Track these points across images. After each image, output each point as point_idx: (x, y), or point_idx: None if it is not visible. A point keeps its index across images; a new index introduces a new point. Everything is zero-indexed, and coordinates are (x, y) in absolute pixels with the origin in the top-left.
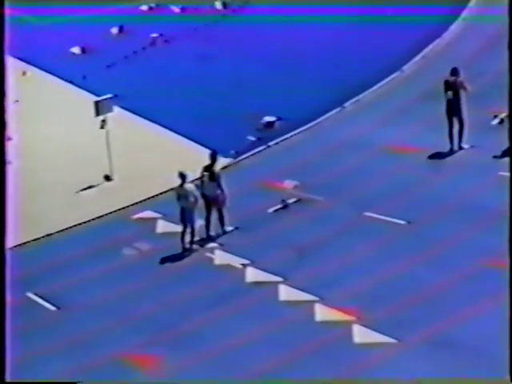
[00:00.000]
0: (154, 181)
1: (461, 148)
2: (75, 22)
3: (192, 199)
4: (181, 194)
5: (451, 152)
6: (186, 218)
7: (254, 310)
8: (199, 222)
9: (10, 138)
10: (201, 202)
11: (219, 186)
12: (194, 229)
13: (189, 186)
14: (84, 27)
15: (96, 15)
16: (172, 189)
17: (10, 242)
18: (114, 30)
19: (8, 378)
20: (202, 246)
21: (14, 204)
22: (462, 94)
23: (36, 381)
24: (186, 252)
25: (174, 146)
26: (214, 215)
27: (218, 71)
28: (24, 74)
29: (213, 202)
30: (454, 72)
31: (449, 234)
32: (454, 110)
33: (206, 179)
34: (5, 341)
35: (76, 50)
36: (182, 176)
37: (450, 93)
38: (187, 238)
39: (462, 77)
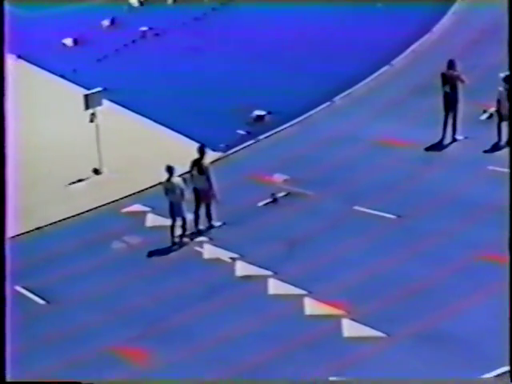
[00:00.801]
0: (143, 174)
1: (454, 140)
2: (68, 13)
3: (179, 193)
4: (168, 188)
5: (441, 143)
6: (174, 212)
7: (243, 304)
8: (188, 216)
9: None
10: (189, 195)
11: (208, 179)
12: (185, 222)
13: (176, 180)
14: (76, 19)
15: (88, 7)
16: (161, 183)
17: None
18: (106, 22)
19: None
20: (191, 239)
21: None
22: (460, 87)
23: (36, 380)
24: (175, 246)
25: (164, 139)
26: (203, 209)
27: (208, 65)
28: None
29: (202, 196)
30: (451, 64)
31: (439, 228)
32: (451, 102)
33: (195, 173)
34: (5, 341)
35: (68, 41)
36: (170, 170)
37: (447, 86)
38: (177, 232)
39: (458, 69)
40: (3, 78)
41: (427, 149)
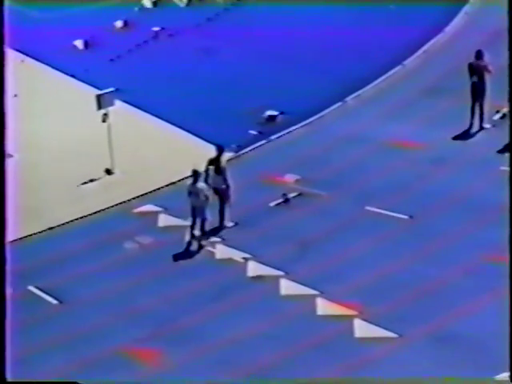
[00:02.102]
0: (155, 175)
1: (482, 128)
2: (79, 15)
3: (203, 198)
4: (192, 191)
5: (469, 132)
6: (196, 215)
7: (255, 305)
8: (209, 219)
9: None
10: (211, 199)
11: (225, 179)
12: (204, 225)
13: (201, 185)
14: (88, 20)
15: (101, 7)
16: (173, 183)
17: (12, 235)
18: (119, 24)
19: (9, 373)
20: (207, 239)
21: (16, 198)
22: (487, 77)
23: (36, 380)
24: (190, 245)
25: (176, 140)
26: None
27: (221, 65)
28: (22, 61)
29: (218, 195)
30: (479, 55)
31: (451, 229)
32: (478, 92)
33: (211, 172)
34: (5, 341)
35: (79, 43)
36: (195, 173)
37: (475, 77)
38: (195, 233)
39: (486, 60)
40: (3, 78)
41: (439, 150)
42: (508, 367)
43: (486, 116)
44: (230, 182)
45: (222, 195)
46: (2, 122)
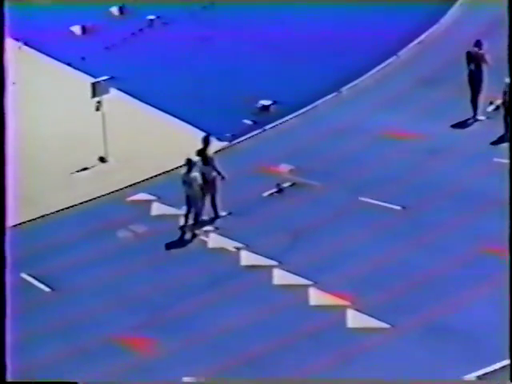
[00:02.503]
0: (148, 163)
1: (476, 120)
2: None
3: (197, 187)
4: (186, 180)
5: (475, 119)
6: (190, 204)
7: (247, 294)
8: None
9: None
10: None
11: (214, 169)
12: (199, 214)
13: (194, 174)
14: (85, 6)
15: None
16: (167, 171)
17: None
18: (114, 11)
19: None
20: (199, 230)
21: (10, 185)
22: (484, 67)
23: (36, 380)
24: (184, 233)
25: (170, 128)
26: (208, 199)
27: (215, 54)
28: (20, 48)
29: (208, 186)
30: (477, 44)
31: (444, 220)
32: (475, 80)
33: (199, 163)
34: (5, 341)
35: (76, 29)
36: (189, 163)
37: (472, 65)
38: (189, 222)
39: (484, 50)
40: (3, 70)
41: (433, 140)
42: (504, 357)
43: (480, 108)
44: (221, 170)
45: (210, 186)
46: (2, 119)
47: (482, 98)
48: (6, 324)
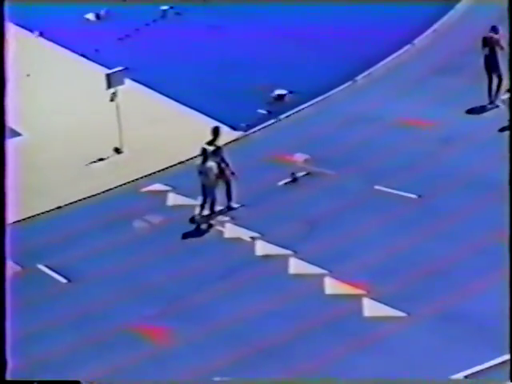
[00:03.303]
0: (164, 153)
1: (496, 106)
2: None
3: (212, 177)
4: (202, 170)
5: (491, 105)
6: (206, 193)
7: (263, 283)
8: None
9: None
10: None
11: (223, 159)
12: (214, 204)
13: (210, 164)
14: None
15: None
16: (182, 162)
17: (21, 214)
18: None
19: (18, 350)
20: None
21: (25, 176)
22: (498, 51)
23: (36, 380)
24: (199, 223)
25: (185, 118)
26: (222, 190)
27: (229, 44)
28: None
29: (219, 177)
30: (493, 29)
31: (459, 208)
32: (491, 65)
33: (209, 154)
34: (5, 341)
35: (90, 16)
36: (204, 152)
37: (486, 49)
38: (205, 212)
39: (499, 34)
40: (3, 68)
41: (448, 128)
42: None
43: (500, 92)
44: (229, 161)
45: (221, 176)
46: (2, 120)
47: (500, 84)
48: (6, 323)
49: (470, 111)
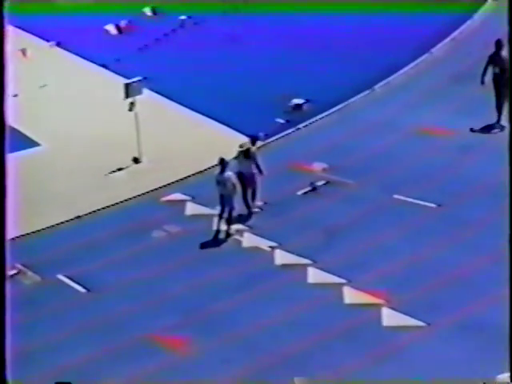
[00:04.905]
0: (182, 163)
1: (501, 126)
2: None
3: (230, 187)
4: (220, 180)
5: (499, 125)
6: (224, 203)
7: (282, 293)
8: (237, 209)
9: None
10: (239, 188)
11: (256, 164)
12: (232, 214)
13: (228, 174)
14: (118, 7)
15: None
16: (201, 171)
17: (41, 224)
18: (147, 11)
19: (26, 361)
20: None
21: (45, 186)
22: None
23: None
24: (218, 233)
25: (203, 128)
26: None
27: (247, 53)
28: (24, 54)
29: (247, 181)
30: (499, 44)
31: (479, 217)
32: (500, 85)
33: (241, 157)
34: (5, 341)
35: (111, 27)
36: (222, 162)
37: (496, 68)
38: (223, 222)
39: (504, 49)
40: (4, 70)
41: (467, 137)
42: None
43: (505, 112)
44: (262, 166)
45: (250, 181)
46: (2, 119)
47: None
48: (6, 325)
49: (481, 130)
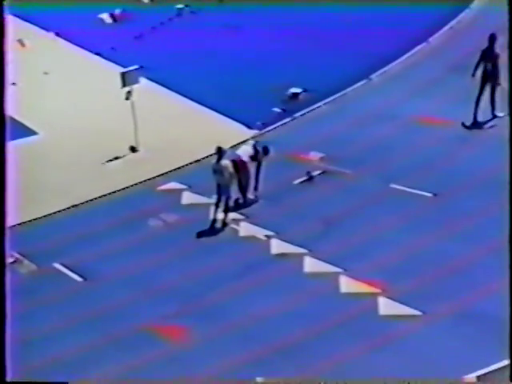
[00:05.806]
0: (179, 152)
1: (495, 116)
2: None
3: (227, 176)
4: (216, 169)
5: (494, 115)
6: (221, 192)
7: (279, 282)
8: (233, 198)
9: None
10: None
11: (255, 148)
12: (228, 203)
13: (224, 163)
14: None
15: None
16: (197, 160)
17: (37, 213)
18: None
19: (33, 350)
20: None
21: (42, 175)
22: (500, 65)
23: (37, 381)
24: (215, 222)
25: (200, 117)
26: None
27: (244, 42)
28: (22, 44)
29: (236, 169)
30: (492, 39)
31: (475, 207)
32: (490, 77)
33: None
34: (5, 341)
35: (105, 16)
36: (220, 151)
37: (489, 65)
38: (219, 211)
39: (498, 44)
40: (3, 69)
41: (464, 127)
42: None
43: (498, 103)
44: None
45: (241, 168)
46: (2, 119)
47: (495, 93)
48: (6, 324)
49: (473, 126)
